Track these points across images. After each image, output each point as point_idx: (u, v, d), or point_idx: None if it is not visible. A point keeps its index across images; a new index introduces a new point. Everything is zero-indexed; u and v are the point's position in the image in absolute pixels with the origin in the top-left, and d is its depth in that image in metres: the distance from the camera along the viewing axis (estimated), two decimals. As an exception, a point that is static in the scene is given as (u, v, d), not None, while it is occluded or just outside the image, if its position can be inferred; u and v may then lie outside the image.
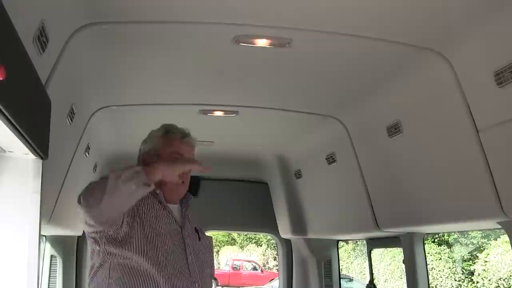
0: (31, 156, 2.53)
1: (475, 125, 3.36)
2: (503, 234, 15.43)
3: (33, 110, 2.39)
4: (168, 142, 3.43)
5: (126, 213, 3.14)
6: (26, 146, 2.35)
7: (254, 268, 32.58)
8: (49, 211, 4.32)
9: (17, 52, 2.11)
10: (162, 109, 4.88)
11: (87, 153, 5.21)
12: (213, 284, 3.59)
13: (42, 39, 2.62)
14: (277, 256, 8.83)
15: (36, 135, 2.36)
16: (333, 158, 5.48)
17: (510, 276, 15.08)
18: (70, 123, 4.03)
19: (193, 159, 3.38)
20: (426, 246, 5.71)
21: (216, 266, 30.91)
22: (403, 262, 5.21)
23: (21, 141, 2.22)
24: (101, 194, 2.84)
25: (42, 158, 2.57)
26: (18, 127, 2.02)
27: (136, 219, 3.18)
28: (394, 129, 4.19)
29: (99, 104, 4.68)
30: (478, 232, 17.97)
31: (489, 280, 16.10)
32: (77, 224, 5.12)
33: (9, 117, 1.93)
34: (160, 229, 3.24)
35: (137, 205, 3.21)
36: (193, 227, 3.49)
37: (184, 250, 3.30)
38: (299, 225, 6.92)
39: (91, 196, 2.92)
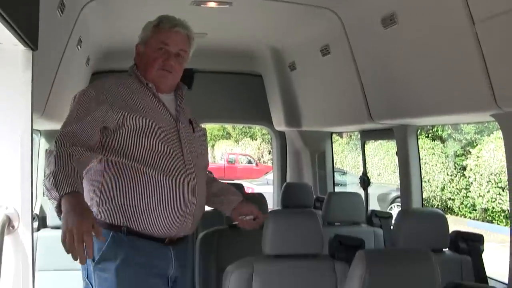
0: (20, 47, 2.47)
1: (471, 16, 3.30)
2: (496, 130, 15.54)
3: (20, -1, 2.33)
4: (157, 32, 3.38)
5: (115, 111, 3.14)
6: (15, 36, 2.30)
7: (249, 162, 32.96)
8: (42, 105, 4.31)
9: None
10: (154, 0, 4.78)
11: (79, 47, 5.15)
12: None
13: None
14: (271, 150, 8.91)
15: (24, 25, 2.31)
16: (327, 50, 5.43)
17: (501, 171, 15.28)
18: (60, 16, 3.96)
19: None
20: (419, 141, 5.75)
21: (211, 160, 31.25)
22: (396, 154, 5.27)
23: (8, 30, 2.17)
24: None
25: (32, 49, 2.52)
26: (4, 15, 1.97)
27: (126, 115, 3.16)
28: (389, 20, 4.12)
29: (90, -5, 4.58)
30: (472, 128, 18.08)
31: (481, 175, 16.31)
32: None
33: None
34: (154, 122, 3.24)
35: (127, 101, 3.21)
36: (187, 119, 3.50)
37: (179, 142, 3.31)
38: (293, 117, 6.95)
39: None
